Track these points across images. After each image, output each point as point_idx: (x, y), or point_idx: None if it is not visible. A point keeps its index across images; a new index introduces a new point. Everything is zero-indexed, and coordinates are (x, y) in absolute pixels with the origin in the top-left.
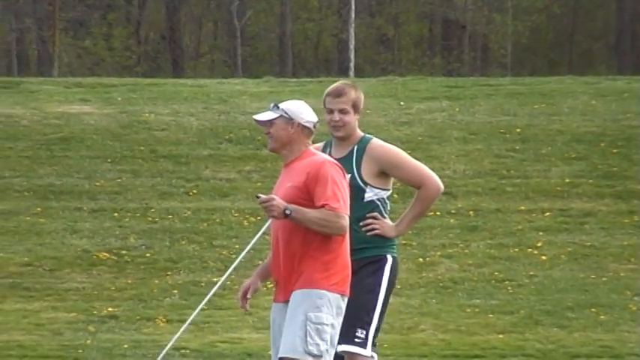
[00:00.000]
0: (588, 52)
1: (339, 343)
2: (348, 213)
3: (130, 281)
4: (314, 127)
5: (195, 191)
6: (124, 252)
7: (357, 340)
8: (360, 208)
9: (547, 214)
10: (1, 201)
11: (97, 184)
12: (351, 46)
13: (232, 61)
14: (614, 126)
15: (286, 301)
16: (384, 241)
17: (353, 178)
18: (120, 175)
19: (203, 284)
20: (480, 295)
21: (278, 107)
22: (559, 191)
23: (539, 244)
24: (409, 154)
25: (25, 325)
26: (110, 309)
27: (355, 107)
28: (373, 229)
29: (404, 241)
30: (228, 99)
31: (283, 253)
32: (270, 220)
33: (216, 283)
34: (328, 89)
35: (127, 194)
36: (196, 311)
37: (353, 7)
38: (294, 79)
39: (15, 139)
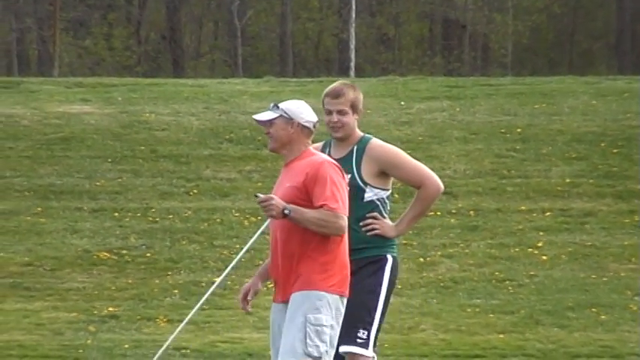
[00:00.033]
0: (589, 52)
1: (340, 343)
2: (347, 213)
3: (130, 281)
4: (314, 126)
5: (195, 191)
6: (124, 252)
7: (358, 340)
8: (360, 208)
9: (547, 213)
10: (1, 201)
11: (98, 183)
12: (352, 46)
13: (233, 61)
14: (614, 126)
15: (285, 302)
16: (384, 241)
17: (353, 178)
18: (120, 174)
19: (204, 284)
20: (480, 295)
21: (278, 107)
22: (559, 191)
23: (539, 244)
24: (410, 154)
25: (25, 325)
26: (111, 309)
27: (354, 108)
28: (373, 229)
29: (404, 241)
30: (228, 99)
31: (281, 253)
32: (268, 220)
33: (215, 283)
34: (326, 90)
35: (128, 194)
36: (193, 311)
37: (353, 6)
38: (295, 79)
39: (15, 139)
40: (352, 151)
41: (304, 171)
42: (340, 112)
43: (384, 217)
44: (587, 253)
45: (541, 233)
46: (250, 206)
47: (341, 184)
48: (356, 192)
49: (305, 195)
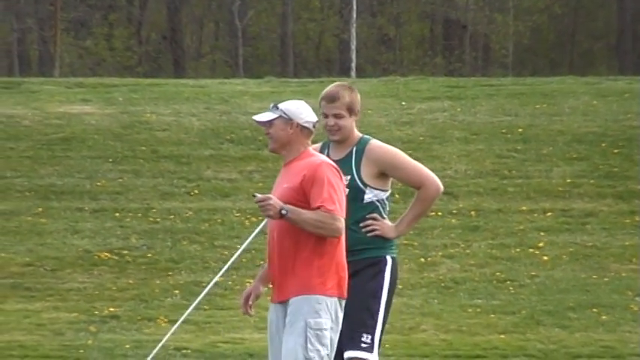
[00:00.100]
0: (589, 53)
1: (345, 349)
2: (344, 215)
3: (131, 281)
4: (313, 127)
5: (196, 191)
6: (125, 252)
7: (363, 345)
8: (360, 209)
9: (548, 214)
10: (2, 201)
11: (99, 184)
12: (353, 46)
13: (234, 62)
14: (615, 126)
15: (281, 302)
16: (383, 242)
17: (352, 179)
18: (121, 175)
19: (204, 284)
20: (481, 296)
21: (277, 107)
22: (560, 191)
23: (540, 245)
24: (410, 154)
25: (26, 326)
26: (111, 309)
27: (350, 110)
28: (373, 230)
29: (405, 242)
30: (229, 99)
31: (278, 253)
32: (265, 220)
33: (216, 283)
34: (323, 93)
35: (129, 194)
36: (188, 311)
37: (354, 7)
38: (296, 80)
39: (16, 140)
40: (351, 152)
41: (302, 172)
42: (337, 116)
43: (384, 218)
44: (588, 254)
45: (542, 233)
46: (251, 207)
47: (338, 185)
48: (356, 193)
49: (302, 196)
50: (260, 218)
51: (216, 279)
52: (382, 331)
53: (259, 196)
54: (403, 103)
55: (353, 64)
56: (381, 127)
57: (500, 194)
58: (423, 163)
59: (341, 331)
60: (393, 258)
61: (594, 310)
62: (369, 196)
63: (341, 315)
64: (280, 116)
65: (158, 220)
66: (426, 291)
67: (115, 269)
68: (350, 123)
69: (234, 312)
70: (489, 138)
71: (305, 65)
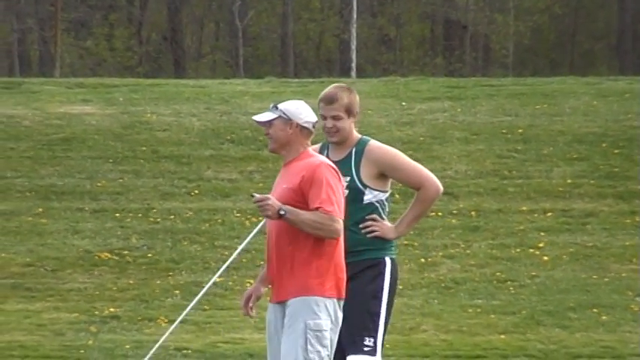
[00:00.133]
0: (590, 53)
1: (348, 353)
2: (342, 217)
3: (131, 282)
4: (313, 127)
5: (196, 192)
6: (125, 252)
7: (365, 348)
8: (359, 210)
9: (549, 214)
10: (2, 201)
11: (99, 184)
12: (353, 47)
13: (234, 62)
14: (615, 126)
15: (279, 302)
16: (382, 243)
17: (352, 180)
18: (122, 175)
19: (205, 285)
20: (481, 296)
21: (277, 108)
22: (561, 192)
23: (540, 245)
24: (411, 154)
25: (26, 326)
26: (112, 309)
27: (349, 111)
28: (373, 231)
29: (405, 242)
30: (229, 99)
31: (277, 253)
32: (264, 220)
33: (216, 283)
34: (321, 95)
35: (129, 194)
36: (186, 311)
37: (355, 7)
38: (296, 80)
39: (17, 140)
40: (351, 153)
41: (300, 173)
42: (335, 118)
43: (383, 219)
44: (589, 254)
45: (542, 234)
46: (251, 207)
47: (337, 186)
48: (355, 194)
49: (301, 197)
50: (260, 219)
51: (214, 279)
52: (384, 334)
53: (258, 196)
54: (403, 103)
55: (353, 65)
56: (382, 127)
57: (500, 194)
58: (423, 164)
59: (343, 334)
60: (392, 259)
61: (594, 310)
62: (368, 197)
63: (340, 315)
64: (280, 116)
65: (158, 220)
66: (426, 291)
67: (115, 269)
68: (348, 124)
69: (235, 312)
70: (490, 138)
71: (305, 65)
